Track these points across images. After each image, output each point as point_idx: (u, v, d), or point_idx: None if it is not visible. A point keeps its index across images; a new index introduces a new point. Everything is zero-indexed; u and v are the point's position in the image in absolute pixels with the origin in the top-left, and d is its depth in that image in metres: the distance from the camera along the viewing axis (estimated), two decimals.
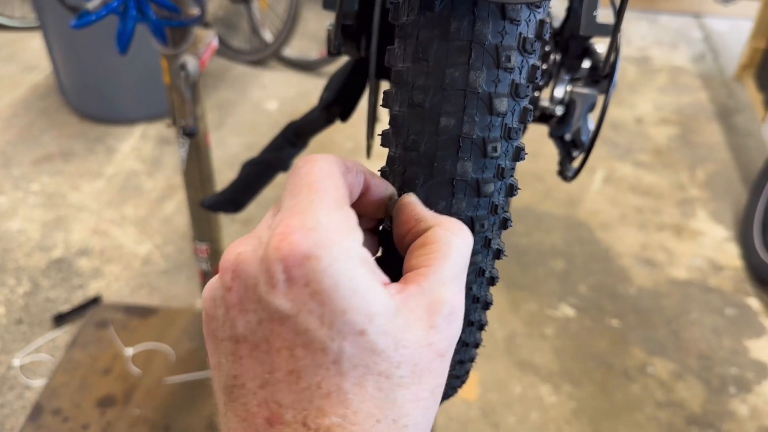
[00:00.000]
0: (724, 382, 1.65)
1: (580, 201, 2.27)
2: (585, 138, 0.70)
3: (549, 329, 1.77)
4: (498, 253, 0.45)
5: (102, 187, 2.24)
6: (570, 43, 0.68)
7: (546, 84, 0.74)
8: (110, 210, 2.14)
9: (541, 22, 0.39)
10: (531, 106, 0.41)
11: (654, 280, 1.94)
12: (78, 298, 1.80)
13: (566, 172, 0.73)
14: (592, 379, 1.63)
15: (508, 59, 0.38)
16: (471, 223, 0.41)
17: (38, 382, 1.56)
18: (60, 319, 1.71)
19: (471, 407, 1.56)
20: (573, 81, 0.73)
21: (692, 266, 2.01)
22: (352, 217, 0.32)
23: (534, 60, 0.40)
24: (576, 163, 0.72)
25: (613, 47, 0.57)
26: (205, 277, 1.25)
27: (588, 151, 0.67)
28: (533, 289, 1.89)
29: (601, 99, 0.69)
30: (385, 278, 0.32)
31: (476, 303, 0.46)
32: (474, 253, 0.43)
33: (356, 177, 0.36)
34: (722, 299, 1.89)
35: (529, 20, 0.38)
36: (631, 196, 2.31)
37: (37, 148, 2.43)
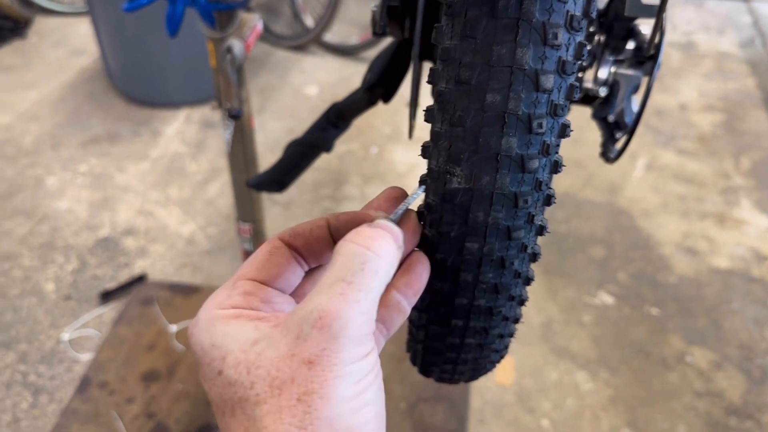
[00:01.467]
0: (766, 373, 1.62)
1: (622, 188, 2.24)
2: (629, 119, 0.70)
3: (587, 316, 1.76)
4: (541, 230, 0.46)
5: (147, 169, 2.30)
6: (615, 24, 0.68)
7: (590, 65, 0.74)
8: (155, 191, 2.19)
9: (589, 0, 0.40)
10: (577, 83, 0.42)
11: (695, 269, 1.92)
12: (124, 275, 1.85)
13: (609, 153, 0.73)
14: (630, 367, 1.63)
15: (555, 36, 0.39)
16: (515, 199, 0.42)
17: (86, 356, 1.62)
18: (106, 296, 1.76)
19: (506, 392, 1.57)
20: (617, 62, 0.73)
21: (735, 255, 1.97)
22: (236, 286, 0.39)
23: (581, 37, 0.40)
24: (619, 145, 0.72)
25: (658, 28, 0.57)
26: (248, 255, 1.28)
27: (631, 132, 0.67)
28: (571, 276, 1.88)
29: (645, 81, 0.69)
30: (268, 315, 0.37)
31: (517, 278, 0.47)
32: (517, 229, 0.43)
33: (303, 239, 0.42)
34: (765, 289, 1.86)
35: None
36: (674, 183, 2.27)
37: (85, 130, 2.50)
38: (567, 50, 0.40)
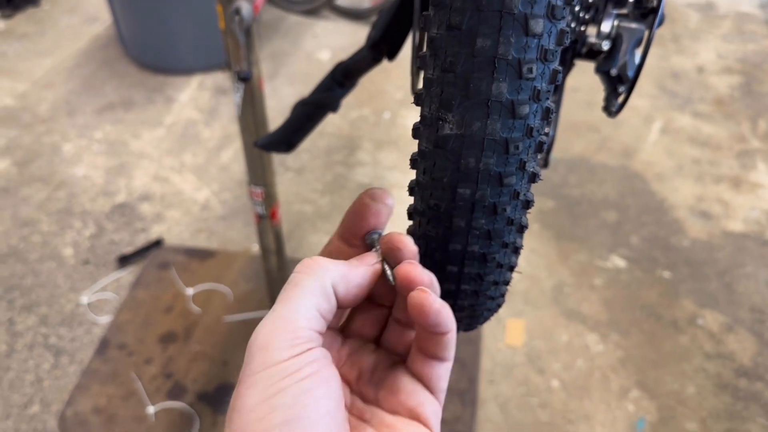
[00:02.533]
0: None
1: (636, 152, 2.23)
2: (631, 73, 0.70)
3: (598, 280, 1.77)
4: (533, 177, 0.46)
5: (161, 136, 2.32)
6: None
7: (593, 19, 0.73)
8: (170, 157, 2.21)
9: None
10: (568, 28, 0.42)
11: (708, 233, 1.91)
12: (140, 240, 1.88)
13: (611, 107, 0.73)
14: (640, 330, 1.64)
15: None
16: (505, 145, 0.43)
17: (104, 319, 1.66)
18: (124, 260, 1.80)
19: (517, 353, 1.59)
20: (620, 16, 0.72)
21: (749, 219, 1.96)
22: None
23: None
24: (621, 99, 0.72)
25: None
26: (261, 219, 1.30)
27: (632, 85, 0.67)
28: (583, 240, 1.88)
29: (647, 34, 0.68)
30: None
31: (510, 225, 0.48)
32: (508, 175, 0.44)
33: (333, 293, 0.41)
34: None
35: None
36: (689, 147, 2.25)
37: (99, 97, 2.52)
38: None
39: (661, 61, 2.74)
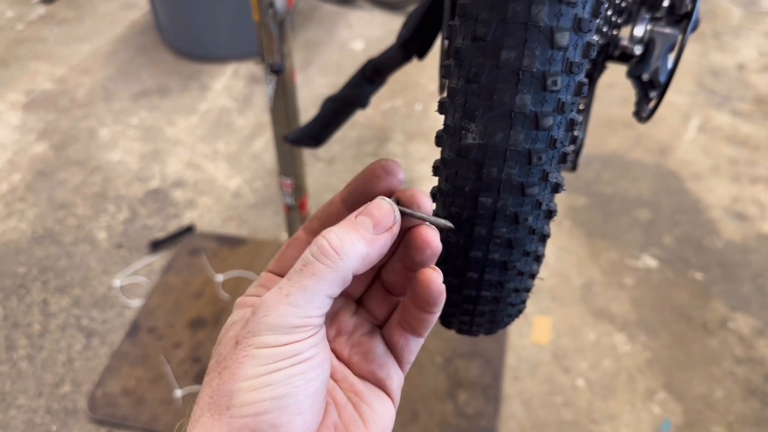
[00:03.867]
0: None
1: (672, 150, 2.19)
2: (663, 78, 0.69)
3: (628, 279, 1.75)
4: (557, 187, 0.46)
5: (196, 123, 2.34)
6: None
7: (626, 22, 0.72)
8: (203, 145, 2.24)
9: None
10: (595, 41, 0.41)
11: (743, 234, 1.87)
12: (173, 226, 1.91)
13: (641, 112, 0.72)
14: (670, 331, 1.62)
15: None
16: (528, 156, 0.43)
17: (136, 302, 1.69)
18: (156, 245, 1.83)
19: (543, 351, 1.58)
20: (654, 20, 0.71)
21: None
22: (259, 278, 0.45)
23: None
24: (652, 104, 0.71)
25: None
26: (290, 210, 1.31)
27: (663, 91, 0.66)
28: (615, 238, 1.86)
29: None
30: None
31: (532, 234, 0.48)
32: (530, 185, 0.44)
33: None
34: None
35: None
36: (726, 146, 2.21)
37: (136, 83, 2.56)
38: (583, 7, 0.40)
39: (700, 58, 2.68)
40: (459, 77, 0.43)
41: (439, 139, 0.46)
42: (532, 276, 0.53)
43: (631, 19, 0.71)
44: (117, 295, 1.72)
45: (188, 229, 1.87)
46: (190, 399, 1.45)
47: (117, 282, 1.75)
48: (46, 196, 2.02)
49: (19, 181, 2.08)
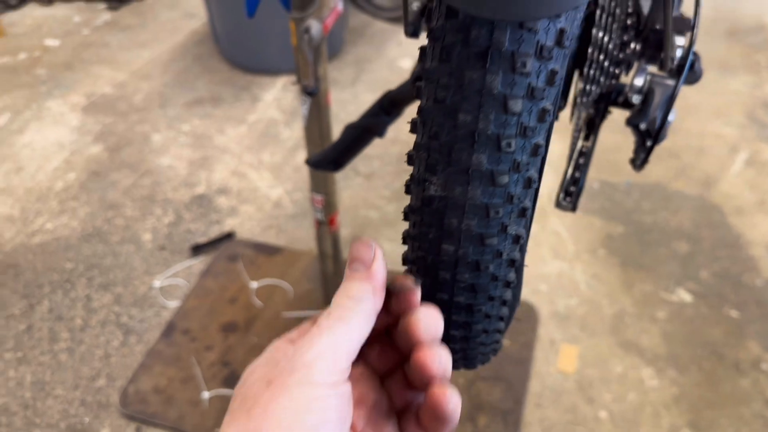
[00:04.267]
0: None
1: (717, 182, 2.15)
2: (658, 129, 0.70)
3: (661, 312, 1.72)
4: (517, 239, 0.48)
5: (244, 133, 2.42)
6: (650, 35, 0.68)
7: (626, 72, 0.74)
8: (249, 154, 2.31)
9: (561, 31, 0.41)
10: (550, 107, 0.43)
11: None
12: (214, 232, 1.98)
13: (637, 160, 0.73)
14: (700, 368, 1.59)
15: (524, 65, 0.40)
16: (486, 209, 0.45)
17: (173, 304, 1.75)
18: (197, 250, 1.89)
19: (567, 379, 1.57)
20: (654, 71, 0.72)
21: None
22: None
23: (554, 65, 0.42)
24: (644, 154, 0.72)
25: (693, 42, 0.57)
26: (320, 225, 1.35)
27: (654, 141, 0.67)
28: (650, 270, 1.84)
29: (685, 90, 0.68)
30: None
31: (495, 281, 0.50)
32: (490, 236, 0.46)
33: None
34: None
35: (548, 29, 0.41)
36: None
37: (191, 91, 2.65)
38: (537, 77, 0.42)
39: (754, 90, 2.63)
40: (423, 134, 0.45)
41: (408, 188, 0.49)
42: (501, 318, 0.55)
43: (630, 69, 0.73)
44: (156, 295, 1.79)
45: (228, 236, 1.93)
46: (217, 401, 1.50)
47: (157, 283, 1.82)
48: (98, 196, 2.12)
49: (73, 180, 2.19)
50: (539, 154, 0.45)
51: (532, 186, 0.46)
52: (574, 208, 0.88)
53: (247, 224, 2.01)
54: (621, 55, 0.72)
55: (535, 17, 0.39)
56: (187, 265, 1.87)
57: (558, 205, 0.87)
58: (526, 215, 0.48)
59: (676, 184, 2.15)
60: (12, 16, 3.23)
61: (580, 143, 0.86)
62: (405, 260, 0.52)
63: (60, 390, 1.56)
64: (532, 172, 0.46)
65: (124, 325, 1.71)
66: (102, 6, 3.31)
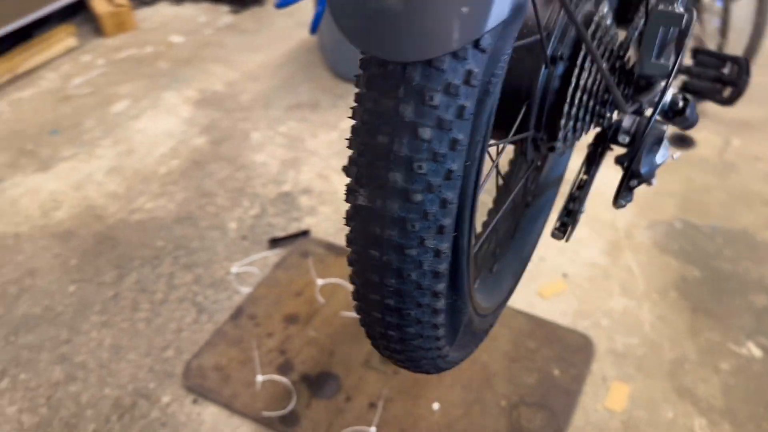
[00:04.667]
0: None
1: None
2: (644, 170, 0.71)
3: (725, 364, 1.66)
4: (438, 253, 0.53)
5: (334, 138, 2.53)
6: (638, 80, 0.71)
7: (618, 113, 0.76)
8: (336, 159, 2.41)
9: (469, 72, 0.46)
10: (461, 137, 0.48)
11: None
12: (293, 228, 2.09)
13: (620, 199, 0.75)
14: (758, 427, 1.52)
15: (432, 98, 0.46)
16: (403, 223, 0.50)
17: (245, 290, 1.87)
18: (274, 243, 2.01)
19: (614, 418, 1.55)
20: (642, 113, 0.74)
21: None
22: None
23: (463, 101, 0.46)
24: (619, 193, 0.74)
25: (667, 86, 0.59)
26: None
27: (627, 179, 0.69)
28: (721, 319, 1.77)
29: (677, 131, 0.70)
30: None
31: (420, 289, 0.55)
32: (409, 247, 0.51)
33: None
34: None
35: (456, 69, 0.45)
36: None
37: (293, 96, 2.80)
38: (446, 110, 0.47)
39: None
40: (353, 149, 0.52)
41: (346, 196, 0.56)
42: (435, 326, 0.60)
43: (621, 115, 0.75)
44: (232, 280, 1.91)
45: (304, 233, 2.04)
46: (268, 385, 1.60)
47: (234, 269, 1.95)
48: (195, 184, 2.29)
49: (176, 167, 2.37)
50: (453, 178, 0.50)
51: (447, 206, 0.51)
52: (566, 239, 0.90)
53: (323, 224, 2.11)
54: (606, 96, 0.75)
55: (412, 59, 0.45)
56: (263, 256, 1.99)
57: (552, 234, 0.90)
58: (443, 232, 0.53)
59: (765, 233, 2.05)
60: (145, 12, 3.54)
61: (578, 176, 0.88)
62: (348, 262, 0.59)
63: (133, 355, 1.71)
64: (448, 194, 0.51)
65: (199, 304, 1.84)
66: (226, 9, 3.55)
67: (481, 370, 1.64)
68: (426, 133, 0.48)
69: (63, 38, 3.02)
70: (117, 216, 2.17)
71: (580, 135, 0.81)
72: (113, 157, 2.45)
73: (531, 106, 0.75)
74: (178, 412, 1.58)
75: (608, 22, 0.75)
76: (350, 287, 1.76)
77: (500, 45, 0.48)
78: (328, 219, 2.13)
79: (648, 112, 0.75)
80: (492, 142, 0.75)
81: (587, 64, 0.74)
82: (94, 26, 3.28)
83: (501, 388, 1.60)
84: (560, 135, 0.78)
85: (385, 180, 0.51)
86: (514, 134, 0.78)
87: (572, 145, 0.85)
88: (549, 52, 0.71)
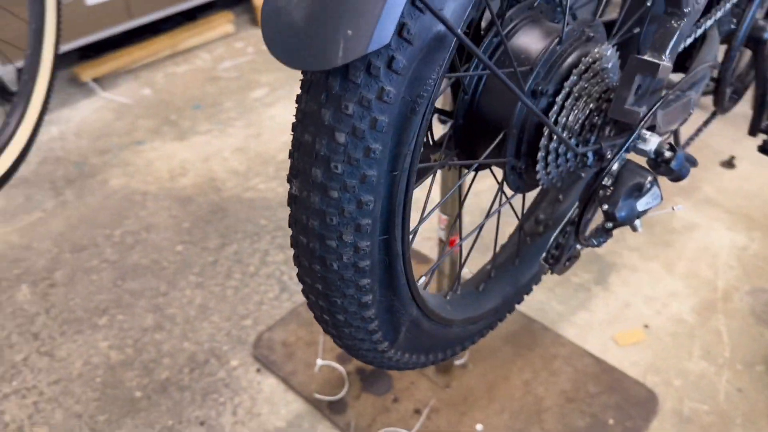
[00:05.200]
0: None
1: None
2: (621, 214, 0.71)
3: None
4: (356, 248, 0.58)
5: None
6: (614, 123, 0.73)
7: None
8: None
9: (382, 89, 0.50)
10: (376, 146, 0.52)
11: None
12: None
13: (593, 240, 0.75)
14: None
15: (347, 108, 0.51)
16: (323, 215, 0.55)
17: None
18: None
19: None
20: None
21: None
22: None
23: (376, 114, 0.51)
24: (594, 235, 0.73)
25: (634, 135, 0.60)
26: (441, 242, 1.48)
27: (610, 223, 0.68)
28: None
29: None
30: None
31: (342, 280, 0.62)
32: (329, 239, 0.57)
33: None
34: None
35: (369, 85, 0.50)
36: None
37: None
38: (361, 120, 0.51)
39: None
40: (292, 144, 0.58)
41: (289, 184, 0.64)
42: (363, 319, 0.64)
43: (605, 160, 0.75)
44: None
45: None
46: (326, 370, 1.68)
47: None
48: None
49: None
50: (368, 182, 0.55)
51: (363, 207, 0.56)
52: (555, 272, 0.90)
53: (418, 237, 2.16)
54: (589, 136, 0.75)
55: (306, 68, 0.51)
56: None
57: (541, 261, 0.91)
58: (361, 231, 0.58)
59: None
60: None
61: (571, 212, 0.88)
62: (291, 244, 0.66)
63: (216, 318, 1.86)
64: (365, 197, 0.56)
65: (284, 282, 1.96)
66: None
67: (534, 402, 1.63)
68: (341, 137, 0.54)
69: (222, 24, 3.30)
70: (233, 191, 2.35)
71: (567, 171, 0.82)
72: (242, 137, 2.65)
73: (508, 135, 0.78)
74: (242, 377, 1.70)
75: (607, 64, 0.77)
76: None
77: (421, 69, 0.54)
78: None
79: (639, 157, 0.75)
80: (463, 162, 0.80)
81: (568, 102, 0.75)
82: (252, 17, 3.55)
83: (549, 425, 1.58)
84: (539, 167, 0.80)
85: (309, 174, 0.57)
86: (493, 158, 0.81)
87: (563, 180, 0.86)
88: (530, 85, 0.75)
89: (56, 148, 2.58)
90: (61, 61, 2.32)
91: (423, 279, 0.86)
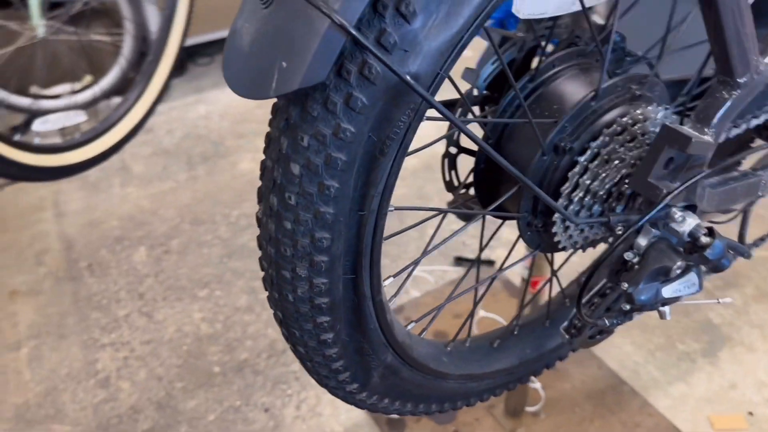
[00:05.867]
0: None
1: None
2: (641, 297, 0.63)
3: None
4: (311, 284, 0.58)
5: None
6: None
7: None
8: None
9: (338, 125, 0.48)
10: (332, 183, 0.50)
11: None
12: (483, 253, 2.12)
13: (605, 317, 0.67)
14: None
15: (302, 139, 0.49)
16: (278, 244, 0.54)
17: (415, 293, 1.97)
18: (459, 261, 2.08)
19: None
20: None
21: None
22: None
23: (333, 151, 0.48)
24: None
25: (655, 210, 0.54)
26: (523, 281, 1.42)
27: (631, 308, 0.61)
28: None
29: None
30: None
31: (305, 303, 0.60)
32: (284, 269, 0.56)
33: None
34: None
35: (327, 120, 0.48)
36: None
37: None
38: (316, 154, 0.49)
39: None
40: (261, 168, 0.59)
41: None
42: (325, 357, 0.62)
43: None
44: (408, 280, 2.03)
45: (489, 262, 2.07)
46: None
47: (415, 271, 2.06)
48: (418, 184, 2.45)
49: (413, 165, 2.55)
50: (322, 219, 0.53)
51: (317, 243, 0.54)
52: (571, 345, 0.82)
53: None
54: (615, 205, 0.68)
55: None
56: (444, 269, 2.07)
57: (561, 329, 0.83)
58: (315, 266, 0.56)
59: None
60: None
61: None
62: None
63: None
64: (318, 233, 0.54)
65: None
66: None
67: None
68: (296, 168, 0.54)
69: None
70: None
71: (590, 237, 0.75)
72: None
73: (523, 188, 0.73)
74: None
75: (649, 128, 0.69)
76: (502, 321, 1.77)
77: (390, 110, 0.51)
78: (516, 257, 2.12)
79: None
80: (464, 211, 0.76)
81: (593, 165, 0.68)
82: None
83: None
84: (556, 229, 0.74)
85: (268, 200, 0.57)
86: (510, 212, 0.76)
87: (586, 246, 0.78)
88: (552, 139, 0.70)
89: (200, 126, 2.78)
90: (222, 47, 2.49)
91: (412, 324, 0.84)
